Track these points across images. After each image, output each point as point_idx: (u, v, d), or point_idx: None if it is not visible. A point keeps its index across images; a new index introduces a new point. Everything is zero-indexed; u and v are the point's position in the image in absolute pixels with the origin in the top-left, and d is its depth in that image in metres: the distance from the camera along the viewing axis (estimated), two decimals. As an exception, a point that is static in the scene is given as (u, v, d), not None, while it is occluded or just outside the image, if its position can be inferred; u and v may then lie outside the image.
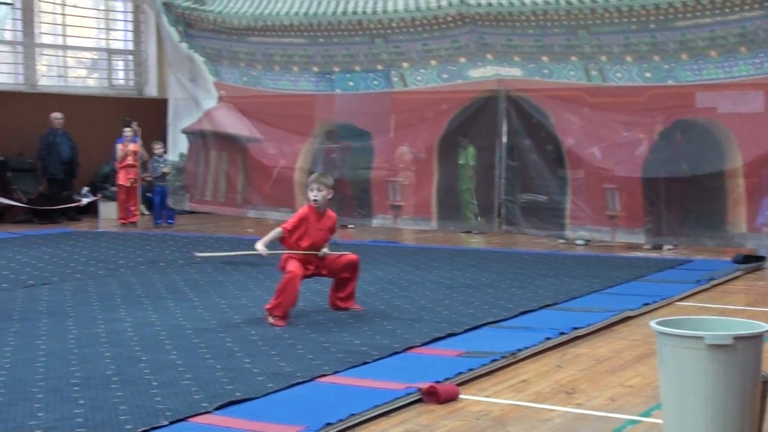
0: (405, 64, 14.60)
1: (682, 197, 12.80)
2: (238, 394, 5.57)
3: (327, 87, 15.33)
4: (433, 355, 6.69)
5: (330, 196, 8.20)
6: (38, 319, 7.99)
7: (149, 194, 17.93)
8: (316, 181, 8.19)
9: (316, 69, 15.31)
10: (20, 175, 18.07)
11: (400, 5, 14.34)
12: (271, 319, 7.74)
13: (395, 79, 14.70)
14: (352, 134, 15.16)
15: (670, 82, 12.78)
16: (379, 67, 14.81)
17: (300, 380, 5.89)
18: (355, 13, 14.68)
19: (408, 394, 5.62)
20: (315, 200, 8.09)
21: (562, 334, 7.36)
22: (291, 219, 8.19)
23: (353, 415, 5.20)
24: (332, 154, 15.21)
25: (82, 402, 5.42)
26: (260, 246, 8.05)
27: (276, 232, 8.12)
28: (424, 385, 5.67)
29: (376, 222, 15.04)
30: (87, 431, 4.91)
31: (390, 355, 6.63)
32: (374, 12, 14.52)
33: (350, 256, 8.38)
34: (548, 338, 7.18)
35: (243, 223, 16.43)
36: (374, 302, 8.78)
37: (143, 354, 6.63)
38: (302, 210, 8.24)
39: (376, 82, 14.89)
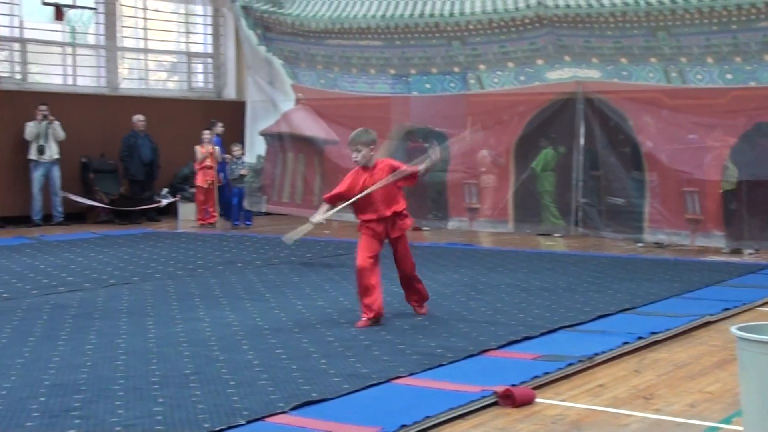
0: (482, 67, 14.57)
1: (764, 201, 12.57)
2: (314, 394, 5.60)
3: (403, 89, 15.35)
4: (508, 358, 6.66)
5: (373, 151, 8.00)
6: (119, 318, 8.13)
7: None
8: (351, 143, 8.00)
9: (392, 71, 15.35)
10: (102, 176, 18.39)
11: (478, 7, 14.31)
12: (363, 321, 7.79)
13: (472, 81, 14.67)
14: (428, 136, 15.17)
15: (752, 84, 12.57)
16: (456, 69, 14.79)
17: (375, 382, 5.91)
18: (432, 15, 14.68)
19: (483, 396, 5.60)
20: (356, 161, 7.99)
21: (640, 338, 7.27)
22: (335, 188, 8.12)
23: (428, 417, 5.20)
24: (416, 152, 15.20)
25: (161, 400, 5.50)
26: (316, 218, 8.11)
27: (323, 207, 8.13)
28: (500, 388, 5.65)
29: (452, 224, 15.02)
30: (166, 429, 4.98)
31: (465, 358, 6.62)
32: (451, 14, 14.51)
33: (409, 263, 8.18)
34: (626, 343, 7.10)
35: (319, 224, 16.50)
36: (450, 304, 8.77)
37: (221, 354, 6.71)
38: (349, 174, 8.11)
39: (452, 85, 14.88)
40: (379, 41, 15.30)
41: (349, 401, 5.54)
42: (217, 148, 17.38)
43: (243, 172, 16.78)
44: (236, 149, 17.08)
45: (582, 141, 13.81)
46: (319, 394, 5.62)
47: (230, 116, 18.99)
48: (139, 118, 18.29)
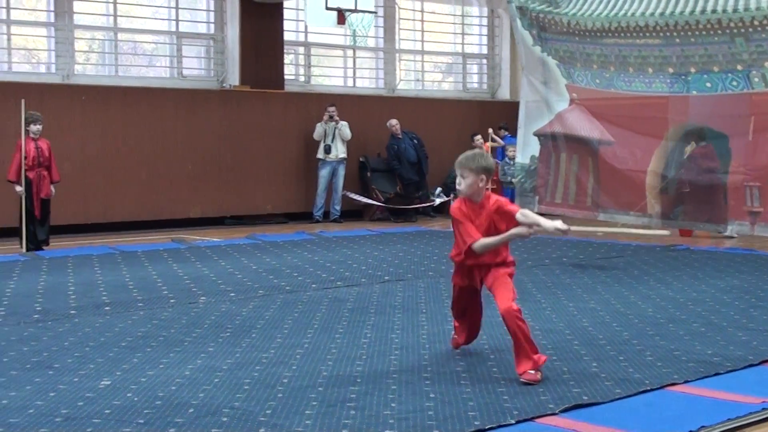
0: (767, 64, 13.92)
1: None
2: (584, 397, 5.54)
3: (682, 88, 14.90)
4: (792, 370, 6.35)
5: (483, 183, 6.27)
6: (393, 314, 8.33)
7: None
8: (457, 165, 6.36)
9: (671, 70, 14.94)
10: (378, 175, 18.93)
11: (764, 2, 13.68)
12: None
13: (756, 79, 14.05)
14: (708, 137, 14.66)
15: None
16: (739, 67, 14.20)
17: (648, 388, 5.77)
18: (714, 11, 14.17)
19: (764, 409, 5.36)
20: (458, 189, 6.40)
21: None
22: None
23: (704, 427, 5.03)
24: (697, 155, 14.71)
25: (432, 395, 5.60)
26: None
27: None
28: (783, 401, 5.40)
29: (731, 229, 14.44)
30: (437, 424, 5.06)
31: (745, 368, 6.35)
32: (735, 10, 13.95)
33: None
34: None
35: (592, 225, 16.31)
36: (728, 311, 8.43)
37: (491, 352, 6.76)
38: (459, 214, 6.42)
39: (734, 83, 14.30)
40: (657, 39, 14.91)
41: (621, 406, 5.44)
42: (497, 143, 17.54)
43: (513, 180, 16.76)
44: (510, 149, 17.15)
45: None
46: (590, 397, 5.55)
47: (504, 117, 19.09)
48: (392, 123, 18.69)
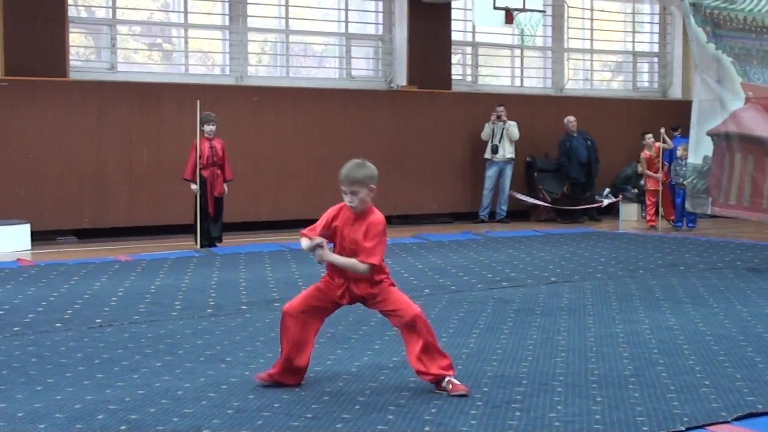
0: None
1: None
2: (759, 406, 5.37)
3: None
4: None
5: (372, 195, 5.91)
6: (559, 316, 8.25)
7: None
8: (345, 181, 5.89)
9: None
10: (545, 175, 18.76)
11: None
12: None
13: None
14: None
15: None
16: None
17: (827, 398, 5.56)
18: None
19: None
20: (351, 206, 5.89)
21: None
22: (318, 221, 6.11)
23: None
24: None
25: (599, 399, 5.52)
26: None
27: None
28: None
29: None
30: (604, 428, 4.99)
31: None
32: None
33: (405, 308, 5.76)
34: None
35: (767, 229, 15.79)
36: None
37: (660, 357, 6.61)
38: (332, 209, 6.02)
39: None
40: (840, 35, 14.30)
41: (797, 416, 5.26)
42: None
43: (684, 182, 16.32)
44: (680, 149, 16.76)
45: None
46: (765, 406, 5.37)
47: (675, 116, 18.65)
48: (570, 120, 18.46)
